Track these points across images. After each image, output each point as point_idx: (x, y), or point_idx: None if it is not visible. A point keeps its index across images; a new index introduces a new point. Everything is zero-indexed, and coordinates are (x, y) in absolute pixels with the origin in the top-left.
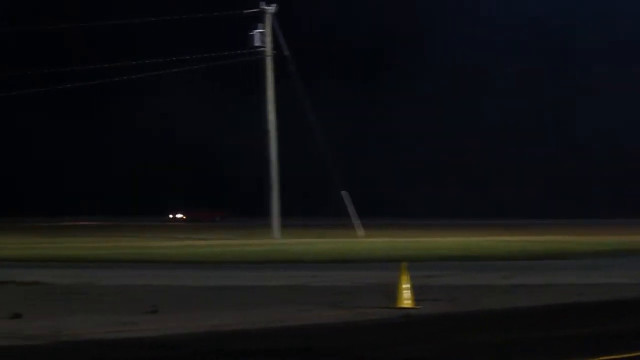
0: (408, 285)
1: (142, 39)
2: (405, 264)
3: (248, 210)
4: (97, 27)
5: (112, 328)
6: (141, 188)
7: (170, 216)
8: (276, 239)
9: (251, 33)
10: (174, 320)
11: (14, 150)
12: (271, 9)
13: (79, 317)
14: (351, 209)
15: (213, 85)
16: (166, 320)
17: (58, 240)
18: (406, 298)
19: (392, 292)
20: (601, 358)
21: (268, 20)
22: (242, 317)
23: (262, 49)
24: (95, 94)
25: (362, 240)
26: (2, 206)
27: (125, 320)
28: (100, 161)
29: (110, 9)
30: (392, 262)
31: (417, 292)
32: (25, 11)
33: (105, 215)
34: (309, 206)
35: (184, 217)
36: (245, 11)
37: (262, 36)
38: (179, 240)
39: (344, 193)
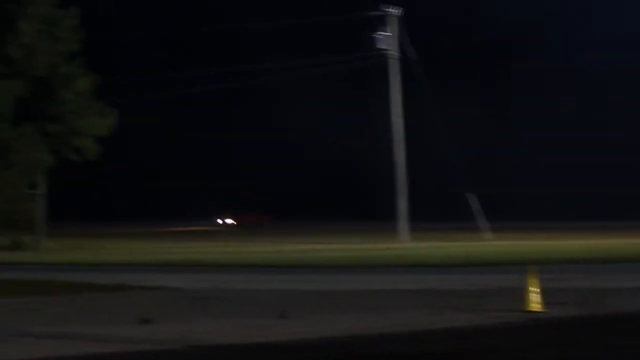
0: (536, 289)
1: (262, 43)
2: (533, 267)
3: (370, 213)
4: (221, 30)
5: (242, 332)
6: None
7: (220, 221)
8: (403, 243)
9: (376, 35)
10: (305, 324)
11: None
12: (396, 11)
13: (208, 321)
14: (477, 212)
15: (336, 88)
16: (297, 325)
17: (175, 245)
18: (534, 301)
19: (520, 296)
20: None
21: (393, 23)
22: (374, 320)
23: (386, 51)
24: (219, 97)
25: (489, 243)
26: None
27: (255, 324)
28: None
29: (224, 12)
30: (518, 265)
31: (544, 295)
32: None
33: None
34: (436, 209)
35: (234, 222)
36: (370, 13)
37: (387, 39)
38: (303, 244)
39: (469, 195)
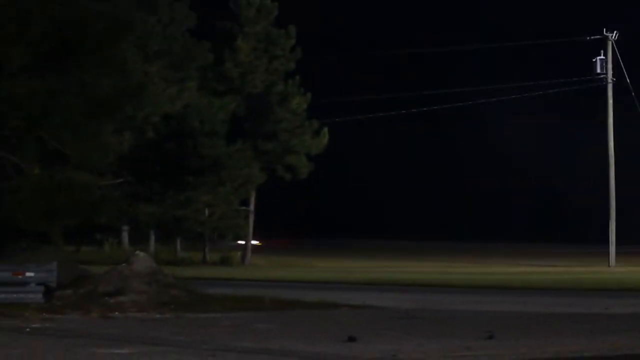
0: None
1: (477, 65)
2: None
3: (582, 236)
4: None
5: (449, 353)
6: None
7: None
8: (612, 267)
9: (594, 60)
10: (511, 346)
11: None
12: (613, 35)
13: (415, 341)
14: None
15: (550, 111)
16: (502, 347)
17: (391, 264)
18: None
19: None
20: None
21: (609, 47)
22: (584, 344)
23: (603, 75)
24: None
25: None
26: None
27: (462, 345)
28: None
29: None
30: None
31: None
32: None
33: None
34: None
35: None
36: (589, 38)
37: (604, 63)
38: (513, 266)
39: None
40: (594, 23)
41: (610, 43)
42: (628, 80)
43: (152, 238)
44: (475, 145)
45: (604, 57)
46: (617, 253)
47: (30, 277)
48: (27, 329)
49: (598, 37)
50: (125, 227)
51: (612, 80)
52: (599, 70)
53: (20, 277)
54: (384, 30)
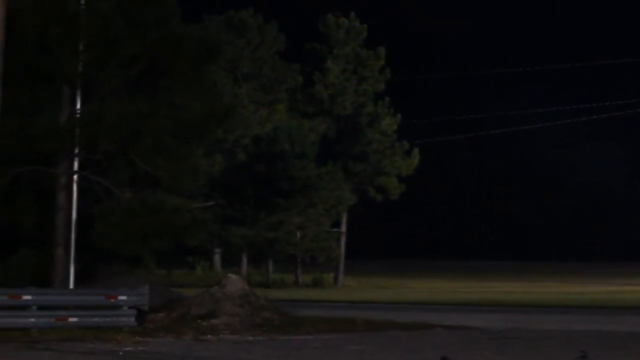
0: None
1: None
2: None
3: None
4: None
5: None
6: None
7: None
8: None
9: None
10: None
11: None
12: None
13: None
14: None
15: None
16: None
17: (482, 284)
18: None
19: None
20: None
21: None
22: None
23: None
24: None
25: None
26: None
27: None
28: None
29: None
30: None
31: None
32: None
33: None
34: None
35: None
36: None
37: None
38: (610, 285)
39: None
40: None
41: None
42: None
43: (244, 260)
44: (564, 166)
45: None
46: None
47: (123, 300)
48: (120, 353)
49: None
50: (217, 250)
51: None
52: None
53: (112, 300)
54: (474, 49)
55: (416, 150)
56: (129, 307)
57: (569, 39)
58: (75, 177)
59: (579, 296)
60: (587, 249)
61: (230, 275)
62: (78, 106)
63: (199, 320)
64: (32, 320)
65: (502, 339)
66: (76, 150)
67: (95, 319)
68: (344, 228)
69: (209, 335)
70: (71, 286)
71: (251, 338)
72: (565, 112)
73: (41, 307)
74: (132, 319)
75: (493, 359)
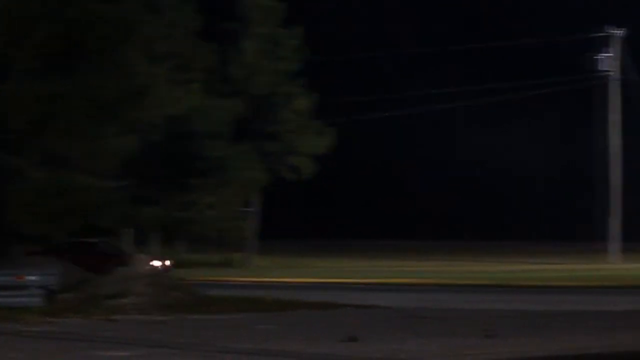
0: None
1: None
2: None
3: (580, 234)
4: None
5: (449, 352)
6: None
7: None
8: (615, 264)
9: (597, 57)
10: (512, 344)
11: None
12: (619, 32)
13: (416, 341)
14: None
15: (553, 109)
16: (504, 345)
17: (396, 264)
18: None
19: None
20: None
21: (615, 44)
22: (582, 341)
23: (607, 72)
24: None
25: None
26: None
27: (462, 344)
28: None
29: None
30: None
31: None
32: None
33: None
34: None
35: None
36: (592, 35)
37: (608, 60)
38: (508, 264)
39: None
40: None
41: (617, 40)
42: (635, 78)
43: (156, 241)
44: (476, 144)
45: (610, 55)
46: (623, 250)
47: (32, 280)
48: (29, 333)
49: (604, 34)
50: (128, 230)
51: (619, 77)
52: (603, 68)
53: (21, 280)
54: (385, 30)
55: (330, 130)
56: (38, 288)
57: (488, 17)
58: None
59: (489, 275)
60: (506, 228)
61: (139, 254)
62: None
63: (108, 300)
64: None
65: (411, 318)
66: None
67: (3, 299)
68: (254, 207)
69: (118, 315)
70: None
71: (161, 318)
72: (484, 91)
73: None
74: (41, 299)
75: (401, 337)
